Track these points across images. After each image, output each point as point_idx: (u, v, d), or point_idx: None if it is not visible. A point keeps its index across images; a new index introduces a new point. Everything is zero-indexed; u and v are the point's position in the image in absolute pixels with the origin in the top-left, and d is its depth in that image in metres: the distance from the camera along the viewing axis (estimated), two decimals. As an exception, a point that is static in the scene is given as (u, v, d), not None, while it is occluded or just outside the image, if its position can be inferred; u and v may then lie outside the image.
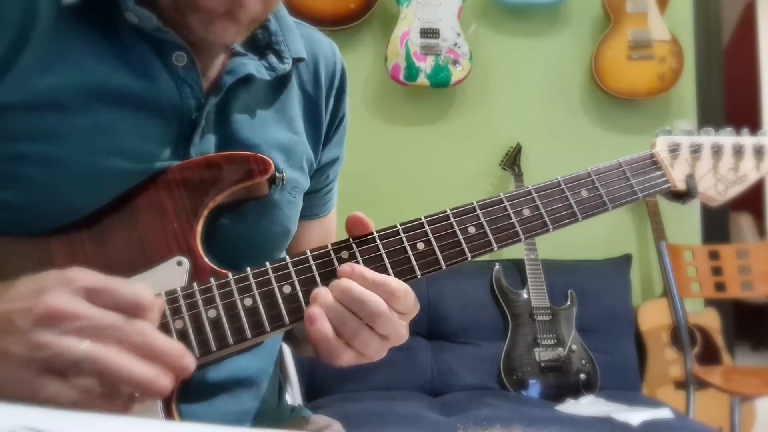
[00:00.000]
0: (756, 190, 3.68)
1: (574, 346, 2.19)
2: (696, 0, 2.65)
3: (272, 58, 0.75)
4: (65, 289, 0.52)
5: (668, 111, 2.58)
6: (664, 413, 1.83)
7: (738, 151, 0.81)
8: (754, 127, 0.85)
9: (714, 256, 2.22)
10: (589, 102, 2.59)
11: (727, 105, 2.66)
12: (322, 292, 0.61)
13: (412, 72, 2.36)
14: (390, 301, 0.61)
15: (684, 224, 2.56)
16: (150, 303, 0.54)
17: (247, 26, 0.68)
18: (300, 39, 0.79)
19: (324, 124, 0.82)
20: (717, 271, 2.20)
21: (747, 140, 0.82)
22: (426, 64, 2.37)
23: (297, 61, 0.77)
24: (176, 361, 0.53)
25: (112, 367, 0.50)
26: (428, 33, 2.38)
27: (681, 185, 0.79)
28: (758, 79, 3.75)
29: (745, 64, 3.77)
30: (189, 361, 0.54)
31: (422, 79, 2.37)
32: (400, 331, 0.63)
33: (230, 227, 0.70)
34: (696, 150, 0.80)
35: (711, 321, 2.41)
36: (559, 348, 2.18)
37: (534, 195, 0.70)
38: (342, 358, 0.61)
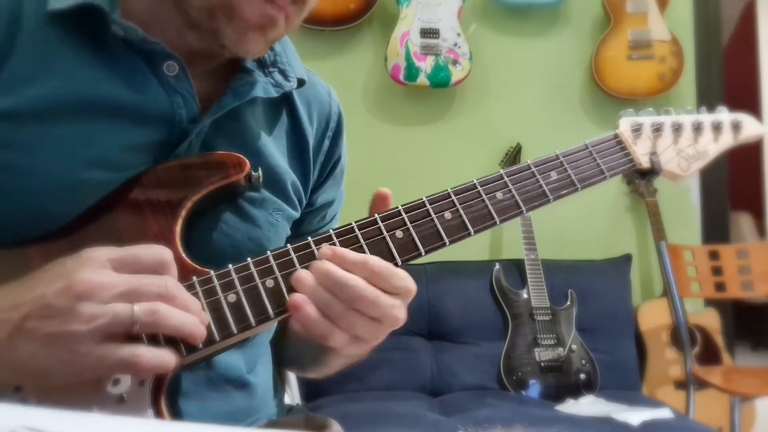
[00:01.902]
0: (756, 190, 3.69)
1: (574, 346, 2.19)
2: (696, 0, 2.65)
3: (278, 76, 0.75)
4: (91, 265, 0.53)
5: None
6: (664, 413, 1.83)
7: (697, 128, 0.85)
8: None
9: (714, 256, 2.22)
10: (589, 102, 2.59)
11: (727, 104, 2.66)
12: (303, 275, 0.61)
13: (412, 72, 2.36)
14: (373, 280, 0.61)
15: (684, 224, 2.56)
16: (171, 259, 0.56)
17: (269, 44, 0.70)
18: (300, 61, 0.79)
19: (311, 160, 0.82)
20: (717, 271, 2.20)
21: (705, 117, 0.86)
22: (426, 64, 2.37)
23: (300, 83, 0.77)
24: (200, 312, 0.57)
25: (169, 320, 0.54)
26: (428, 33, 2.38)
27: (645, 163, 0.81)
28: (758, 78, 3.75)
29: (745, 64, 3.77)
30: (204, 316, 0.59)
31: (422, 79, 2.37)
32: (391, 312, 0.61)
33: (208, 236, 0.70)
34: (658, 129, 0.83)
35: (711, 321, 2.41)
36: (559, 348, 2.18)
37: (506, 179, 0.73)
38: (334, 340, 0.60)
